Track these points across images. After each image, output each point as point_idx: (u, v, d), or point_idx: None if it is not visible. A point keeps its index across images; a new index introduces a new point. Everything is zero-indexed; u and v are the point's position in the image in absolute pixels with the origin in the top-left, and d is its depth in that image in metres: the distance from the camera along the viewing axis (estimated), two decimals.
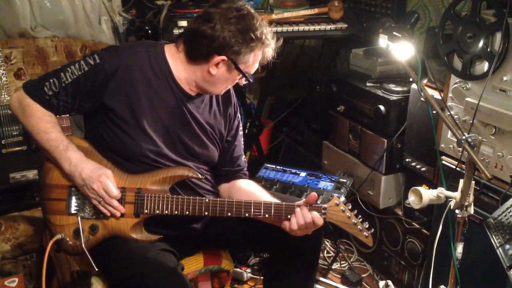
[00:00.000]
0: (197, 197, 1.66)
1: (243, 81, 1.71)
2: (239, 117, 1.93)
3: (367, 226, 1.65)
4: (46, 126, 1.67)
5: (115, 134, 1.66)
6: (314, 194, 1.62)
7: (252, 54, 1.62)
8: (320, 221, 1.61)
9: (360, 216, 1.65)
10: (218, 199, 1.68)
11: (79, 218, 1.67)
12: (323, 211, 1.62)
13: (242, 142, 1.96)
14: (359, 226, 1.63)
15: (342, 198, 1.68)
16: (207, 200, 1.65)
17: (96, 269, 1.66)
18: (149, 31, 3.08)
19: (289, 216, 1.62)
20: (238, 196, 1.77)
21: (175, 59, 1.68)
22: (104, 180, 1.62)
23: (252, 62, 1.65)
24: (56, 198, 1.71)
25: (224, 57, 1.59)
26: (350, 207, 1.63)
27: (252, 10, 1.63)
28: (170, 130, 1.70)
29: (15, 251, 2.41)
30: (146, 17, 3.32)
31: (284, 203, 1.65)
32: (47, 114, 1.68)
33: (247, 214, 1.64)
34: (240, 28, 1.57)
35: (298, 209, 1.61)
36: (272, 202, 1.65)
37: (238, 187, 1.88)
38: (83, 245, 1.66)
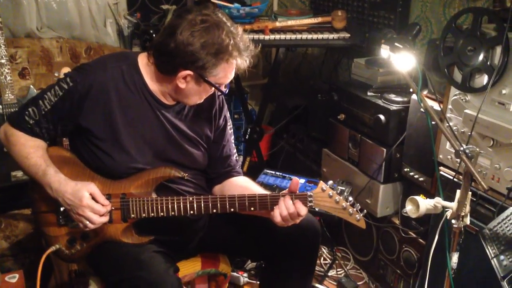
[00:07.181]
0: (181, 197, 1.63)
1: (218, 92, 1.69)
2: (227, 115, 1.87)
3: (358, 208, 1.58)
4: (28, 151, 1.64)
5: (95, 154, 1.65)
6: (295, 179, 1.59)
7: (220, 67, 1.55)
8: (304, 211, 1.57)
9: (351, 198, 1.59)
10: (202, 196, 1.64)
11: (70, 228, 1.69)
12: (309, 199, 1.58)
13: (232, 141, 1.91)
14: (349, 210, 1.57)
15: (330, 182, 1.58)
16: (190, 199, 1.62)
17: (93, 274, 1.67)
18: (154, 35, 3.11)
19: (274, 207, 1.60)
20: (230, 193, 1.73)
21: (148, 71, 1.65)
22: (87, 203, 1.57)
23: (223, 74, 1.58)
24: (47, 210, 1.70)
25: (190, 72, 1.55)
26: (339, 191, 1.57)
27: (221, 18, 1.54)
28: (151, 143, 1.68)
29: (14, 249, 2.42)
30: (151, 20, 3.37)
31: (268, 193, 1.63)
32: (30, 139, 1.67)
33: (232, 209, 1.61)
34: (203, 42, 1.49)
35: (281, 200, 1.59)
36: (256, 193, 1.62)
37: (230, 184, 1.85)
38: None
